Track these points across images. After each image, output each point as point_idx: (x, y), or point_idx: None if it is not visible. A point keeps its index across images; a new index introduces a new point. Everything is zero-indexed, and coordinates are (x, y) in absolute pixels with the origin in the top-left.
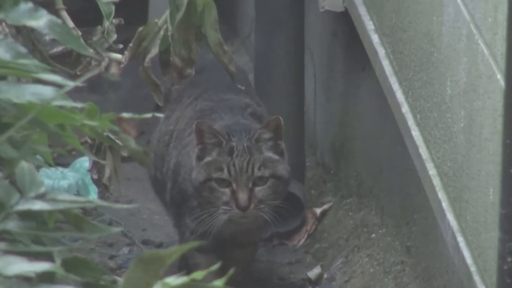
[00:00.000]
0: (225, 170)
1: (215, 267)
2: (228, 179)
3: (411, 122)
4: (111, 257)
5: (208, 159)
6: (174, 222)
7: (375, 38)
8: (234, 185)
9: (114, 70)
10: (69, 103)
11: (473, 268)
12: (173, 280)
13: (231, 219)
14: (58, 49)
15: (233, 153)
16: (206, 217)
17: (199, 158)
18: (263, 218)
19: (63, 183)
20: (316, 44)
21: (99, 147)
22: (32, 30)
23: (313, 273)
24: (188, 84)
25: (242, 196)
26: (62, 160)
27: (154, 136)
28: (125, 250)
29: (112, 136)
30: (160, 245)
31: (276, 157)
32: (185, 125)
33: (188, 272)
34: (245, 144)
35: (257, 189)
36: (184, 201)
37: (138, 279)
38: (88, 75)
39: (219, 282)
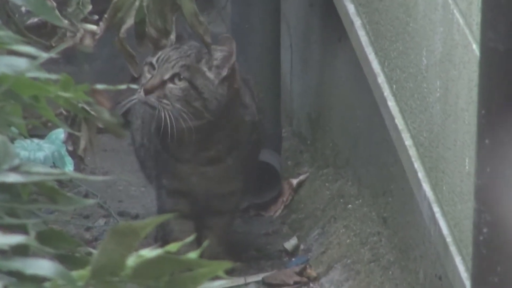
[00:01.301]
0: (157, 56)
1: (190, 238)
2: (155, 64)
3: (387, 92)
4: (87, 229)
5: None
6: (155, 185)
7: (351, 8)
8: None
9: (88, 41)
10: (43, 75)
11: (449, 239)
12: (147, 252)
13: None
14: (33, 20)
15: (177, 48)
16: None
17: None
18: (232, 172)
19: (39, 155)
20: (293, 15)
21: (74, 119)
22: (6, 1)
23: (290, 244)
24: None
25: (152, 81)
26: (38, 132)
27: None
28: (101, 221)
29: (87, 108)
30: (136, 217)
31: (210, 76)
32: None
33: (163, 244)
34: (192, 47)
35: (169, 85)
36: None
37: (113, 251)
38: (63, 46)
39: (194, 254)
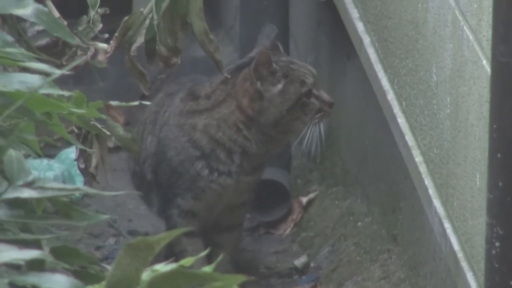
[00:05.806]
0: (308, 80)
1: (204, 253)
2: (311, 87)
3: (396, 109)
4: (97, 248)
5: (279, 86)
6: (160, 208)
7: (360, 26)
8: (314, 91)
9: (101, 57)
10: (56, 91)
11: (460, 255)
12: (162, 266)
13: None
14: (42, 41)
15: (294, 66)
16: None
17: (266, 92)
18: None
19: (49, 174)
20: (301, 33)
21: (85, 136)
22: (18, 20)
23: (300, 262)
24: (167, 80)
25: (326, 95)
26: (48, 151)
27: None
28: (111, 240)
29: (99, 125)
30: (146, 236)
31: None
32: (156, 106)
33: (176, 260)
34: (287, 58)
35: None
36: (179, 178)
37: (127, 266)
38: (75, 63)
39: (208, 268)
